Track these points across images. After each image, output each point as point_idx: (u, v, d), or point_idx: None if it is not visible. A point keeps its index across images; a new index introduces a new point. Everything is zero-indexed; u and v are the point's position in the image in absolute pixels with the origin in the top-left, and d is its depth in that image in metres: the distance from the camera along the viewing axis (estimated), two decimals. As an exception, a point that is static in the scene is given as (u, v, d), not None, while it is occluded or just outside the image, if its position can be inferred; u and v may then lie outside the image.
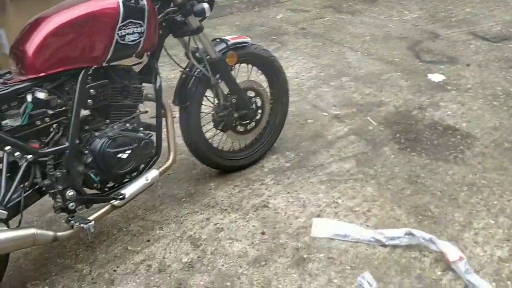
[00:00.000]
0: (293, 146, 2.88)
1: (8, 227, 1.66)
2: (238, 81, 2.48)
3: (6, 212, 1.57)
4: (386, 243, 2.11)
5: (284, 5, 5.67)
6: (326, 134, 3.01)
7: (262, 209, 2.36)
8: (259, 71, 2.62)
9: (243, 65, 2.55)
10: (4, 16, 3.26)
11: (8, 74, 1.75)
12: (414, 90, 3.46)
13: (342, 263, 2.02)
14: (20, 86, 1.70)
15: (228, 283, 1.95)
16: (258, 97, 2.58)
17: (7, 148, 1.66)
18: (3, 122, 1.67)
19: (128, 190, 2.00)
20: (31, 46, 1.71)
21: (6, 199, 1.62)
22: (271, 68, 2.60)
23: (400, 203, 2.34)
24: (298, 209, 2.35)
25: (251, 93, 2.55)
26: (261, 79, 2.68)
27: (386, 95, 3.42)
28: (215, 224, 2.27)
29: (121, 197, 1.95)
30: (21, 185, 1.72)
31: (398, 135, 2.93)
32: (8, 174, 1.71)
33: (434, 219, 2.22)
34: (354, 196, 2.43)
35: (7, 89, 1.68)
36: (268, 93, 2.66)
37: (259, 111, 2.59)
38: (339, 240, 2.14)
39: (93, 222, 1.82)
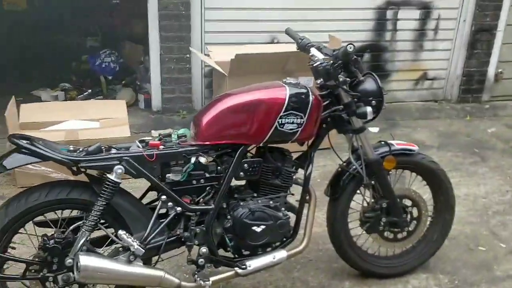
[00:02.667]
0: (451, 270, 2.61)
1: (144, 264, 1.94)
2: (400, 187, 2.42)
3: (143, 250, 1.85)
4: None
5: (502, 119, 5.23)
6: (495, 269, 2.66)
7: (389, 326, 2.20)
8: (424, 182, 2.51)
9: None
10: (221, 88, 3.87)
11: (184, 137, 2.09)
12: None
13: None
14: (189, 148, 2.02)
15: None
16: (415, 208, 2.46)
17: (163, 197, 1.97)
18: (167, 175, 2.00)
19: (253, 263, 2.11)
20: (207, 117, 2.03)
21: (149, 239, 1.91)
22: (436, 181, 2.47)
23: None
24: None
25: (408, 202, 2.45)
26: (425, 190, 2.55)
27: None
28: (334, 324, 2.20)
29: (244, 267, 2.08)
30: (165, 231, 2.00)
31: None
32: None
33: None
34: None
35: (178, 149, 2.01)
36: (429, 206, 2.50)
37: (414, 222, 2.46)
38: None
39: (210, 282, 1.98)
